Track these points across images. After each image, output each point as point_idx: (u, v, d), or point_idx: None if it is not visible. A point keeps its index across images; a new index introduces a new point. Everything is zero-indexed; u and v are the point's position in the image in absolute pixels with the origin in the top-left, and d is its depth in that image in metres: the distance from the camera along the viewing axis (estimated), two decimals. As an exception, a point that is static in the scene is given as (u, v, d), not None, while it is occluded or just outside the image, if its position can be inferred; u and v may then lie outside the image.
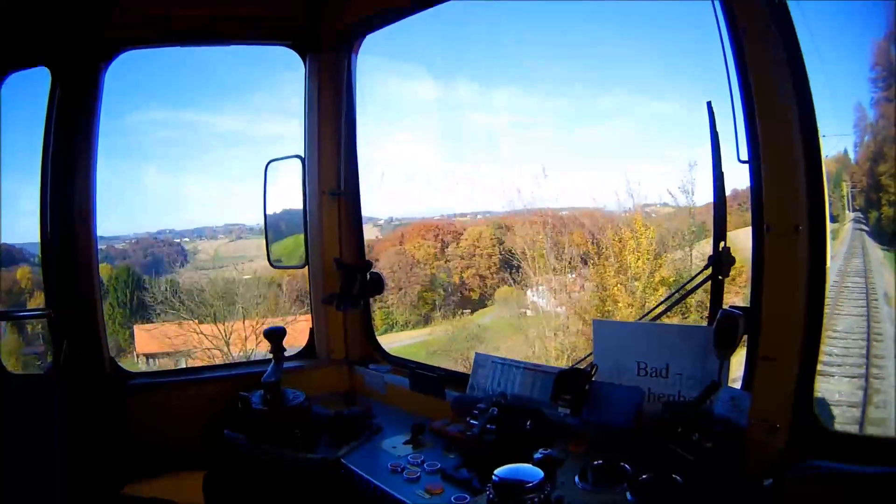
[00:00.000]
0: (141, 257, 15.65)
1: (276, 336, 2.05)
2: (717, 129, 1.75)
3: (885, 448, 1.45)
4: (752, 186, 1.60)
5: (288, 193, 2.33)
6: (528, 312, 12.68)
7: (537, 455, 1.53)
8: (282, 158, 2.28)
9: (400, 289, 14.53)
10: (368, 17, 2.24)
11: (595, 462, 1.64)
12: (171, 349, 13.13)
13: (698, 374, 1.81)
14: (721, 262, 1.78)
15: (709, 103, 1.73)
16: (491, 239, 14.71)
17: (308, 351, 2.37)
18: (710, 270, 1.80)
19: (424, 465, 1.81)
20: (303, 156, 2.31)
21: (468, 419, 1.88)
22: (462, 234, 15.21)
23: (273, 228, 2.29)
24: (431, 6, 2.17)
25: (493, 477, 1.48)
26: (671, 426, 1.64)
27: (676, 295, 1.92)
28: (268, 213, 2.28)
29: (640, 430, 1.76)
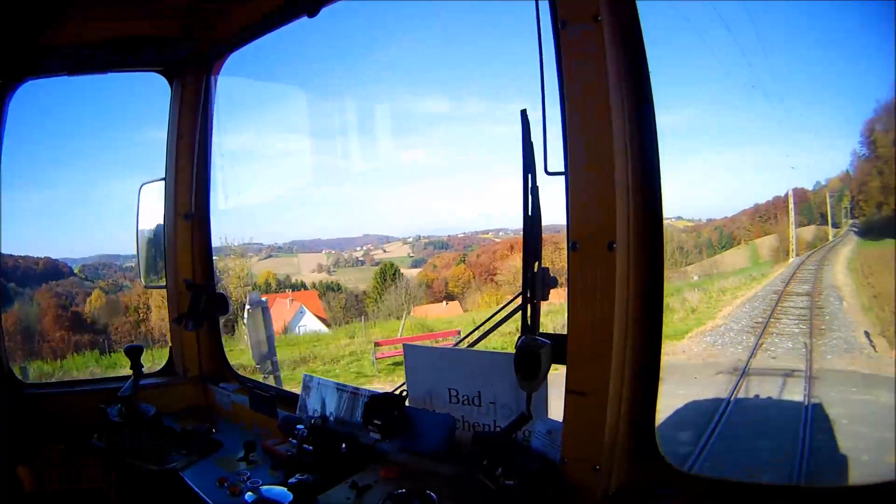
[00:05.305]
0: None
1: (134, 353, 2.17)
2: (532, 140, 1.61)
3: (740, 492, 1.33)
4: (566, 200, 1.48)
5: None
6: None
7: (292, 480, 1.54)
8: (153, 181, 2.38)
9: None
10: (225, 40, 2.27)
11: (398, 490, 1.63)
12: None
13: (513, 403, 1.72)
14: (535, 284, 1.67)
15: (523, 111, 1.61)
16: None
17: (169, 368, 2.48)
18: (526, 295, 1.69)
19: (248, 481, 1.86)
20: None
21: (290, 439, 1.92)
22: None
23: (146, 249, 2.41)
24: (288, 23, 2.19)
25: (246, 496, 1.52)
26: (480, 457, 1.59)
27: (490, 322, 1.82)
28: (144, 234, 2.39)
29: (451, 459, 1.71)
